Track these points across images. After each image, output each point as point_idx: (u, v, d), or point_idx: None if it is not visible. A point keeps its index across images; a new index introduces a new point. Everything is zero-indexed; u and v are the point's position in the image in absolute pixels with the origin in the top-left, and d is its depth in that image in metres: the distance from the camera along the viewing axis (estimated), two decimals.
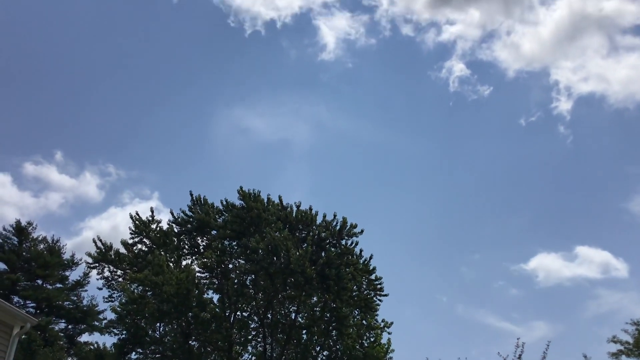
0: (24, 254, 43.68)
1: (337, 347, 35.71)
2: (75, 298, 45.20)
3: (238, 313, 37.06)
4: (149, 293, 33.50)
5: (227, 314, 36.10)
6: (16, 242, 43.79)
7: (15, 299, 42.20)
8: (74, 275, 46.46)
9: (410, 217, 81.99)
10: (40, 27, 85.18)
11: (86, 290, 45.88)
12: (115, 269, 36.78)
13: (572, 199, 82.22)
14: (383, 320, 36.48)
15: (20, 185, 78.76)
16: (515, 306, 73.25)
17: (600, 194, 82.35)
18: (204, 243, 37.93)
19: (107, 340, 71.90)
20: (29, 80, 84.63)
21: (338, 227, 35.97)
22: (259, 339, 37.40)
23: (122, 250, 36.88)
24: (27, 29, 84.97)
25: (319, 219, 36.30)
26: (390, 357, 35.89)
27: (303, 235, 36.42)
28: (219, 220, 37.64)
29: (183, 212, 37.87)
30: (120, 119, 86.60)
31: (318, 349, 36.27)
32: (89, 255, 36.60)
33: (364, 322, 36.06)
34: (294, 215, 36.57)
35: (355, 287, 35.02)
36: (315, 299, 36.76)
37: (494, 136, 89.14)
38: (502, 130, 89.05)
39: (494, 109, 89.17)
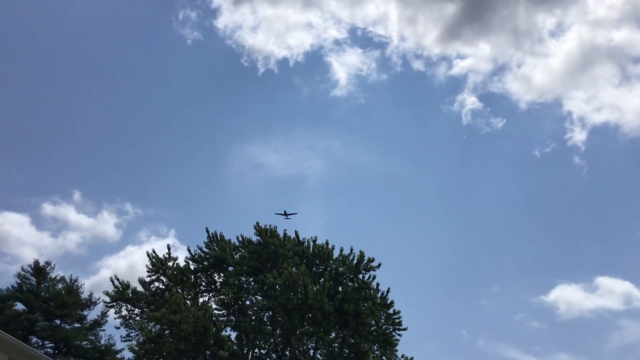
0: (42, 294, 43.76)
1: None
2: (93, 337, 44.97)
3: (256, 350, 36.66)
4: (166, 332, 33.32)
5: (245, 352, 35.73)
6: (34, 283, 43.94)
7: (34, 339, 42.10)
8: (91, 314, 46.42)
9: (427, 249, 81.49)
10: (58, 69, 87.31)
11: (104, 330, 45.65)
12: (132, 308, 36.71)
13: (590, 229, 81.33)
14: (403, 356, 35.87)
15: (38, 225, 79.79)
16: (537, 339, 72.00)
17: (618, 224, 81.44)
18: (220, 279, 37.83)
19: None
20: (47, 122, 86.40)
21: (355, 261, 35.74)
22: None
23: (140, 288, 36.88)
24: (45, 72, 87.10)
25: (336, 253, 36.18)
26: None
27: (320, 270, 36.21)
28: (235, 256, 37.60)
29: (200, 248, 37.93)
30: (136, 158, 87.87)
31: None
32: (107, 294, 36.64)
33: (383, 357, 35.46)
34: (310, 250, 36.46)
35: (373, 321, 34.61)
36: (333, 334, 36.27)
37: (508, 168, 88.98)
38: (516, 162, 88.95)
39: (507, 141, 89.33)
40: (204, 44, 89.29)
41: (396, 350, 35.76)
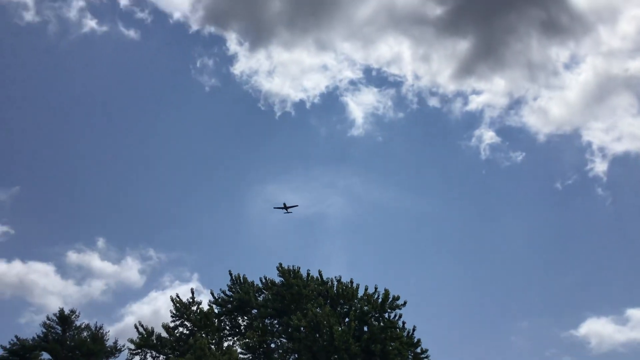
0: (67, 342, 43.80)
1: None
2: None
3: None
4: None
5: None
6: (60, 331, 44.07)
7: None
8: None
9: (452, 285, 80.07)
10: (80, 117, 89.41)
11: None
12: (157, 354, 36.49)
13: (618, 260, 79.38)
14: None
15: (63, 274, 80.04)
16: None
17: None
18: (245, 322, 37.54)
19: None
20: (69, 171, 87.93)
21: (380, 300, 35.34)
22: None
23: (164, 334, 36.71)
24: (67, 120, 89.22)
25: (360, 292, 35.82)
26: None
27: (345, 309, 35.81)
28: (259, 298, 37.39)
29: (223, 292, 37.85)
30: (158, 203, 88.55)
31: None
32: (131, 341, 36.54)
33: None
34: (334, 289, 36.16)
35: None
36: None
37: (531, 201, 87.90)
38: (539, 195, 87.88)
39: (528, 174, 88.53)
40: (222, 90, 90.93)
41: None
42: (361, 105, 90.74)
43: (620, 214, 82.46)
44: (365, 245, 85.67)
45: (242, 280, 38.03)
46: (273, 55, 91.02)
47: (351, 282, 36.15)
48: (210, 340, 35.68)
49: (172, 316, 37.17)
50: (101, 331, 45.35)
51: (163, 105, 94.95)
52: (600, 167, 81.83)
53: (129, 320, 71.07)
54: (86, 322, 46.13)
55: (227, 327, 37.88)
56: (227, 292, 37.77)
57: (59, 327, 44.39)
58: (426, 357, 34.85)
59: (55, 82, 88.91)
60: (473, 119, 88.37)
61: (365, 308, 34.89)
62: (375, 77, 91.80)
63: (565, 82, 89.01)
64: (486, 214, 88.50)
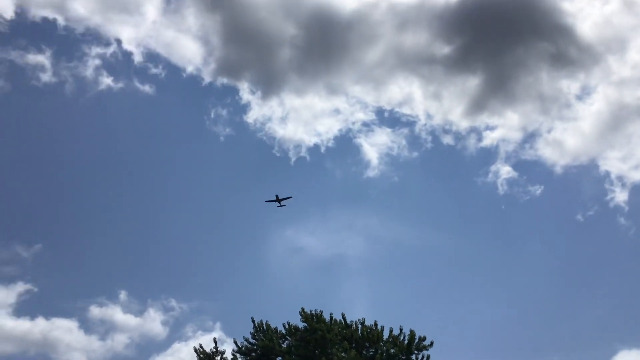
0: None
1: None
2: None
3: None
4: None
5: None
6: None
7: None
8: None
9: (479, 322, 78.37)
10: (95, 170, 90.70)
11: None
12: None
13: None
14: None
15: (86, 329, 79.56)
16: None
17: None
18: None
19: None
20: (88, 227, 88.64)
21: (406, 342, 34.61)
22: None
23: None
24: (82, 174, 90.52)
25: (386, 334, 35.14)
26: None
27: (371, 353, 35.06)
28: (283, 345, 36.79)
29: (246, 340, 37.33)
30: (177, 253, 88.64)
31: None
32: None
33: None
34: (359, 332, 35.49)
35: None
36: None
37: (553, 234, 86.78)
38: (560, 228, 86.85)
39: (548, 207, 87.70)
40: (237, 138, 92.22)
41: None
42: (375, 146, 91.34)
43: None
44: (388, 285, 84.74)
45: (265, 327, 37.54)
46: (285, 102, 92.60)
47: (375, 324, 35.55)
48: None
49: None
50: None
51: (179, 156, 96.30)
52: (620, 196, 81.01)
53: None
54: None
55: None
56: (251, 340, 37.26)
57: None
58: None
59: (74, 140, 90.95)
60: (488, 155, 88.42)
61: (392, 351, 34.18)
62: (388, 118, 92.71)
63: (578, 113, 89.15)
64: (508, 249, 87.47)
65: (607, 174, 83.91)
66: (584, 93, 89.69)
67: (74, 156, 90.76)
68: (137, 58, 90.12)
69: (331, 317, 36.47)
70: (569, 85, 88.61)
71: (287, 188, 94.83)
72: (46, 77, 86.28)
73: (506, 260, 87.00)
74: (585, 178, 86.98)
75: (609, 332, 76.03)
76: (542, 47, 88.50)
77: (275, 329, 37.54)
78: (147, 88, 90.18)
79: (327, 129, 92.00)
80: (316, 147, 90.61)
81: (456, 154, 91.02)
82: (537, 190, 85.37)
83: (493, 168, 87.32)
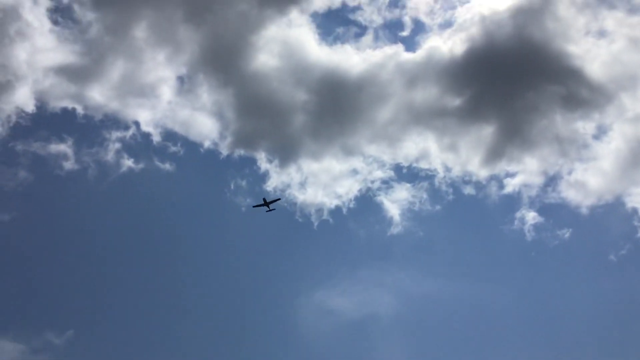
0: None
1: None
2: None
3: None
4: None
5: None
6: None
7: None
8: None
9: None
10: (125, 257, 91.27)
11: None
12: None
13: None
14: None
15: None
16: None
17: None
18: None
19: None
20: (119, 312, 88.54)
21: None
22: None
23: None
24: (112, 263, 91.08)
25: None
26: None
27: None
28: None
29: None
30: (207, 322, 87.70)
31: None
32: None
33: None
34: None
35: None
36: None
37: (587, 277, 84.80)
38: (594, 270, 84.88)
39: (579, 250, 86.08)
40: (258, 208, 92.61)
41: None
42: (396, 203, 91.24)
43: None
44: (422, 341, 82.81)
45: None
46: (303, 167, 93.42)
47: None
48: None
49: None
50: None
51: (203, 230, 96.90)
52: None
53: None
54: None
55: None
56: None
57: None
58: None
59: (98, 224, 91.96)
60: (512, 202, 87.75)
61: None
62: (406, 174, 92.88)
63: (597, 153, 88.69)
64: (543, 296, 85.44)
65: (635, 210, 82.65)
66: (601, 132, 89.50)
67: (101, 241, 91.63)
68: (156, 138, 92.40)
69: None
70: (585, 126, 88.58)
71: (312, 252, 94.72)
72: (69, 165, 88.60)
73: (542, 307, 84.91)
74: (613, 216, 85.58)
75: None
76: (553, 90, 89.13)
77: None
78: (167, 166, 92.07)
79: (347, 190, 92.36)
80: (338, 209, 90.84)
81: (479, 204, 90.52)
82: (566, 233, 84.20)
83: (518, 215, 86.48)
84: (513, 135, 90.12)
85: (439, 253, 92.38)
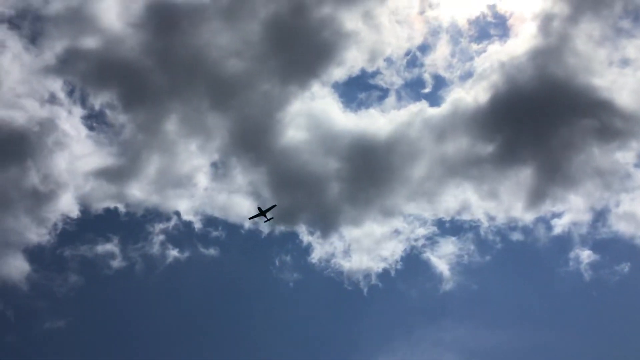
0: None
1: None
2: None
3: None
4: None
5: None
6: None
7: None
8: None
9: None
10: (180, 348, 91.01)
11: None
12: None
13: None
14: None
15: None
16: None
17: None
18: None
19: None
20: None
21: None
22: None
23: None
24: (167, 354, 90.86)
25: None
26: None
27: None
28: None
29: None
30: None
31: None
32: None
33: None
34: None
35: None
36: None
37: None
38: None
39: None
40: (305, 281, 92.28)
41: None
42: (444, 258, 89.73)
43: None
44: None
45: None
46: (345, 235, 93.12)
47: None
48: None
49: None
50: None
51: (254, 309, 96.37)
52: None
53: None
54: None
55: None
56: None
57: None
58: None
59: (151, 317, 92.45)
60: (563, 243, 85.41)
61: None
62: (450, 228, 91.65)
63: None
64: (612, 337, 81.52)
65: None
66: None
67: (156, 333, 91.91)
68: (197, 225, 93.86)
69: None
70: (624, 156, 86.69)
71: (366, 318, 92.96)
72: (116, 263, 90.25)
73: (614, 349, 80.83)
74: None
75: None
76: (586, 123, 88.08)
77: None
78: (211, 251, 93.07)
79: (392, 251, 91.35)
80: (385, 272, 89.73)
81: (529, 249, 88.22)
82: (624, 267, 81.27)
83: (572, 255, 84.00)
84: (553, 174, 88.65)
85: (495, 304, 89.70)
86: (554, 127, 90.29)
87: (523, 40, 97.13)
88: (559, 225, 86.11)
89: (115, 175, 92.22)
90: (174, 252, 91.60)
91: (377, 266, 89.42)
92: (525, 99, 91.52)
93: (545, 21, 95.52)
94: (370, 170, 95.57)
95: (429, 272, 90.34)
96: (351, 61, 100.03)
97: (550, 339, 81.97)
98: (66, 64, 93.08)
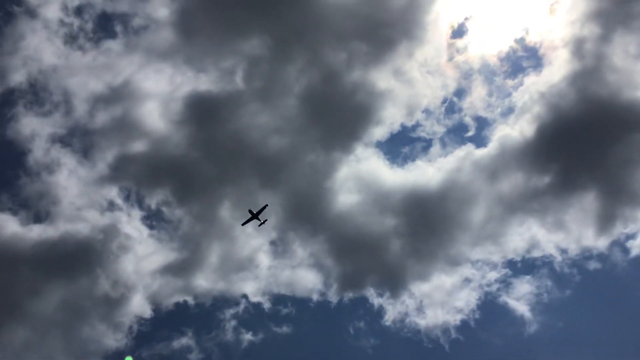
0: None
1: None
2: None
3: None
4: None
5: None
6: None
7: None
8: None
9: None
10: None
11: None
12: None
13: None
14: None
15: None
16: None
17: None
18: None
19: None
20: None
21: None
22: None
23: None
24: None
25: None
26: None
27: None
28: None
29: None
30: None
31: None
32: None
33: None
34: None
35: None
36: None
37: None
38: None
39: None
40: (384, 345, 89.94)
41: None
42: (522, 299, 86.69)
43: None
44: None
45: None
46: (414, 291, 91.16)
47: None
48: None
49: None
50: None
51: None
52: None
53: None
54: None
55: None
56: None
57: None
58: None
59: None
60: None
61: None
62: (522, 267, 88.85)
63: None
64: None
65: None
66: None
67: None
68: (267, 305, 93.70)
69: None
70: None
71: None
72: (193, 356, 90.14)
73: None
74: None
75: None
76: (636, 137, 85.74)
77: None
78: (284, 329, 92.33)
79: (466, 301, 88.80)
80: (464, 323, 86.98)
81: (609, 276, 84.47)
82: None
83: None
84: (617, 194, 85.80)
85: (585, 340, 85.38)
86: (608, 146, 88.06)
87: (558, 67, 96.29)
88: (636, 247, 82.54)
89: (180, 269, 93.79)
90: (247, 336, 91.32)
91: (454, 319, 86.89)
92: (572, 124, 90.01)
93: (578, 44, 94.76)
94: (427, 222, 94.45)
95: (509, 316, 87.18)
96: (390, 118, 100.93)
97: None
98: (118, 171, 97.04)
